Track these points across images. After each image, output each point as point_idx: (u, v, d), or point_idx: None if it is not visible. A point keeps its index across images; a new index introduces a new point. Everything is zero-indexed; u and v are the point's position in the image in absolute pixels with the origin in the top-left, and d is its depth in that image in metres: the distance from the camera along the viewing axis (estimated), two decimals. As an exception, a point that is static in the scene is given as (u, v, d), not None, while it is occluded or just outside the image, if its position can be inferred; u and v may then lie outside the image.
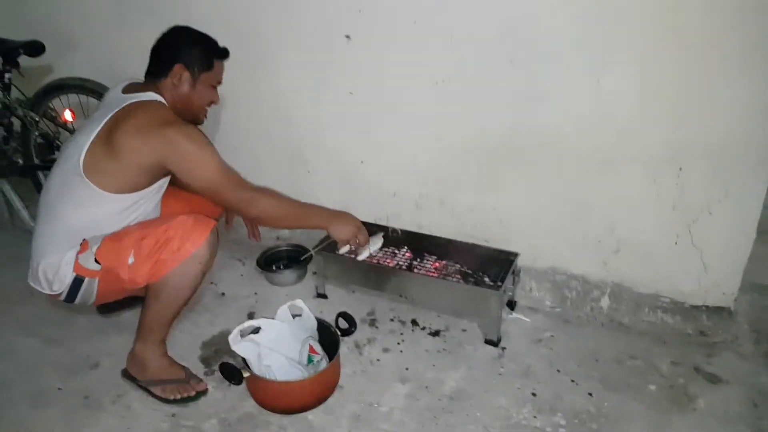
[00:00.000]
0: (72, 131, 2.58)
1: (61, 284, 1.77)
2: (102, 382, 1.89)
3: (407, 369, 1.92)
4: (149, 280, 1.73)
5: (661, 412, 1.74)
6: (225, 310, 2.22)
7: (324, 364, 1.78)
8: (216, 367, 1.92)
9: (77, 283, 1.77)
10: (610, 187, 2.00)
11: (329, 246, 2.19)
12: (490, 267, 2.14)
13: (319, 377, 1.72)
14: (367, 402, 1.79)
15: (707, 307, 2.02)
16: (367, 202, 2.42)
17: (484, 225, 2.26)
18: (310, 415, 1.74)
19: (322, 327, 1.89)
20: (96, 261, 1.72)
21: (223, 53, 1.88)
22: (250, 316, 2.19)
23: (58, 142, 2.55)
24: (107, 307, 2.17)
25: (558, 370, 1.91)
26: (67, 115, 2.56)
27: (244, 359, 1.73)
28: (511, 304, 2.20)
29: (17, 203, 2.65)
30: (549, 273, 2.22)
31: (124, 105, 1.73)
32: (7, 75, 2.48)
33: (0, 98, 2.49)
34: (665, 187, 1.92)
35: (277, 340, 1.69)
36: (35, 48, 2.43)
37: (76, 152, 1.70)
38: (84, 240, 1.74)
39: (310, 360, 1.77)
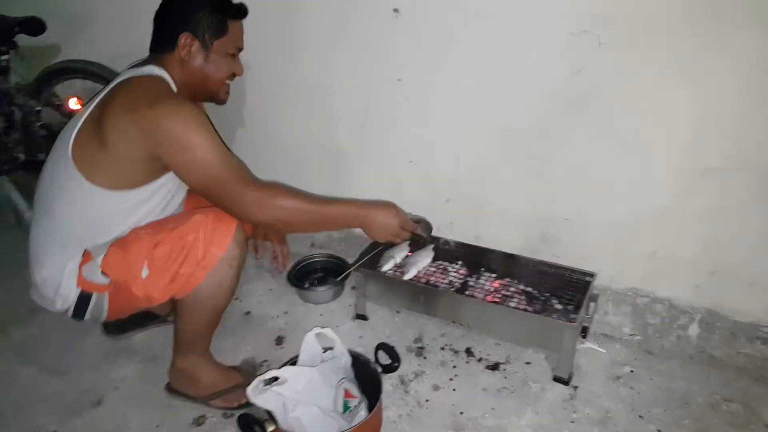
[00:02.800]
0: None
1: (65, 301, 1.59)
2: (103, 424, 1.70)
3: (462, 413, 1.70)
4: (174, 296, 1.55)
5: (770, 474, 1.50)
6: (251, 333, 2.02)
7: (363, 409, 1.57)
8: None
9: (84, 299, 1.59)
10: (713, 198, 1.72)
11: (370, 261, 1.96)
12: (561, 288, 1.88)
13: (359, 431, 1.50)
14: (415, 456, 1.58)
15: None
16: (415, 208, 2.16)
17: (553, 238, 1.99)
18: (348, 473, 1.54)
19: (359, 362, 1.67)
20: (103, 273, 1.53)
21: (239, 11, 1.61)
22: (279, 341, 1.98)
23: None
24: (116, 327, 1.99)
25: (641, 416, 1.67)
26: (73, 104, 2.35)
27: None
28: (584, 331, 1.94)
29: (22, 204, 2.47)
30: (629, 295, 1.95)
31: (115, 83, 1.53)
32: (3, 57, 2.26)
33: (-3, 83, 2.28)
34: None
35: (306, 390, 1.47)
36: (34, 26, 2.20)
37: (66, 139, 1.51)
38: (86, 250, 1.54)
39: (346, 407, 1.55)
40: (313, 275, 2.23)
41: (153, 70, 1.53)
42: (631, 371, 1.83)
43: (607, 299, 1.98)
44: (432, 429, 1.65)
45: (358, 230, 2.32)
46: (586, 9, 1.65)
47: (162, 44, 1.55)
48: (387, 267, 1.93)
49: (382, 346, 1.71)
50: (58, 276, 1.56)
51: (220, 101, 1.67)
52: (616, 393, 1.75)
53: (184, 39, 1.52)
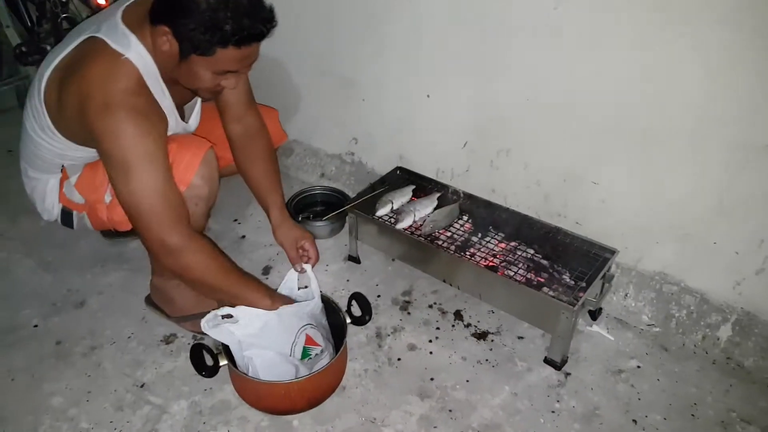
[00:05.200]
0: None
1: (50, 215, 1.66)
2: (80, 326, 1.74)
3: (432, 380, 1.57)
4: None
5: None
6: (240, 258, 1.96)
7: (325, 357, 1.48)
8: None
9: (67, 214, 1.65)
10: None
11: (368, 201, 1.81)
12: (575, 261, 1.66)
13: (312, 381, 1.42)
14: (369, 416, 1.48)
15: None
16: (427, 149, 1.96)
17: (577, 202, 1.75)
18: (296, 421, 1.47)
19: (330, 309, 1.57)
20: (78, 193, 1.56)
21: (239, 40, 1.25)
22: (266, 271, 1.92)
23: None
24: (113, 231, 1.98)
25: (634, 420, 1.48)
26: (101, -2, 2.28)
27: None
28: (594, 313, 1.72)
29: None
30: (656, 279, 1.71)
31: (83, 39, 1.33)
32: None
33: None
34: None
35: (260, 334, 1.39)
36: None
37: (43, 71, 1.40)
38: (63, 166, 1.56)
39: (306, 354, 1.46)
40: (313, 208, 2.12)
41: (131, 44, 1.30)
42: (638, 366, 1.62)
43: (629, 281, 1.74)
44: (395, 391, 1.54)
45: (370, 166, 2.19)
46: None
47: (152, 11, 1.28)
48: (381, 212, 1.78)
49: (355, 296, 1.59)
50: (42, 190, 1.62)
51: (203, 99, 1.54)
52: (613, 389, 1.56)
53: (161, 31, 1.26)
